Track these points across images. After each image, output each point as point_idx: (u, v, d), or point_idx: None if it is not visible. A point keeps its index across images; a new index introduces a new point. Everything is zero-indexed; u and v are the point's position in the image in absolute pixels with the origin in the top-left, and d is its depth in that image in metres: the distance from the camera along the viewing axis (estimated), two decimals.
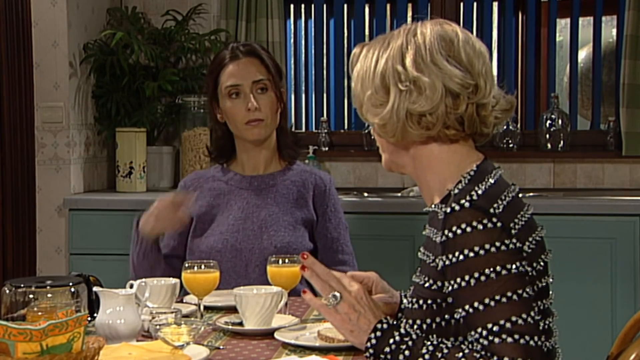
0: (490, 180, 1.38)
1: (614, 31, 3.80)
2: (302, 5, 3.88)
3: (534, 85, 3.74)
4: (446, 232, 1.33)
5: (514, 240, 1.31)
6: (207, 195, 2.20)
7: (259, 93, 2.16)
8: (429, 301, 1.39)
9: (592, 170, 3.49)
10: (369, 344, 1.37)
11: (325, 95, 3.85)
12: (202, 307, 1.78)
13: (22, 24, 3.19)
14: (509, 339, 1.27)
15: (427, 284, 1.40)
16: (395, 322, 1.40)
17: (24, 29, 3.19)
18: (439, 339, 1.36)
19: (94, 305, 1.62)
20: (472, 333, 1.30)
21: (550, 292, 1.42)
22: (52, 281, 1.56)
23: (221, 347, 1.57)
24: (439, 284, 1.37)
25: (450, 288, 1.34)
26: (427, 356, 1.32)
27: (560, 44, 3.98)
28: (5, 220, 3.18)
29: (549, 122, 3.49)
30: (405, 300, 1.51)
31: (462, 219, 1.31)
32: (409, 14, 3.86)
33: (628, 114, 3.40)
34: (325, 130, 3.66)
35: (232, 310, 1.78)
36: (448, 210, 1.33)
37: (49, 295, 1.52)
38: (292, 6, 3.85)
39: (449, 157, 1.42)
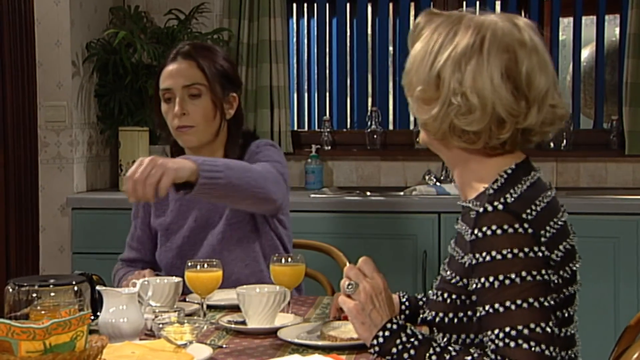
0: (527, 183, 1.37)
1: (617, 30, 3.79)
2: (305, 4, 3.87)
3: None
4: (476, 231, 1.32)
5: (543, 248, 1.30)
6: (160, 203, 2.12)
7: (191, 98, 2.05)
8: (454, 296, 1.39)
9: (595, 169, 3.49)
10: (375, 341, 1.38)
11: (327, 94, 3.85)
12: (204, 306, 1.78)
13: (25, 22, 3.19)
14: (524, 345, 1.27)
15: (453, 280, 1.40)
16: (405, 323, 1.40)
17: (27, 28, 3.20)
18: (445, 343, 1.36)
19: (97, 304, 1.62)
20: (489, 333, 1.30)
21: (576, 300, 1.41)
22: (55, 280, 1.56)
23: (224, 345, 1.57)
24: (465, 281, 1.37)
25: (474, 286, 1.33)
26: (433, 357, 1.32)
27: (563, 42, 3.97)
28: (9, 219, 3.18)
29: None
30: (430, 292, 1.51)
31: (493, 220, 1.30)
32: (412, 12, 3.86)
33: (631, 113, 3.39)
34: (328, 130, 3.66)
35: (235, 309, 1.78)
36: (481, 210, 1.32)
37: (52, 294, 1.52)
38: (294, 5, 3.85)
39: (489, 160, 1.41)
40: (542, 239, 1.31)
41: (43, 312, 1.46)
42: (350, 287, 1.42)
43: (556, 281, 1.33)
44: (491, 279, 1.30)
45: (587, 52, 3.89)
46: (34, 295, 1.51)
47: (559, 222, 1.37)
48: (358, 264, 1.49)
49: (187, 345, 1.47)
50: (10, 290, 1.53)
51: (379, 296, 1.41)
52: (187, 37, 3.44)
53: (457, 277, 1.39)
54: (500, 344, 1.28)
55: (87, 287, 1.59)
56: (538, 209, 1.33)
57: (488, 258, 1.30)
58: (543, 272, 1.30)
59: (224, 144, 2.12)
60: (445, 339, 1.42)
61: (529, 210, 1.32)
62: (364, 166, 3.64)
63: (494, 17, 1.39)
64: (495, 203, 1.31)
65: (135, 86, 3.38)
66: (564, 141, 3.48)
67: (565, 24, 3.92)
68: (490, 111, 1.34)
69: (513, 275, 1.29)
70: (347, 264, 2.33)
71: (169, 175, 1.70)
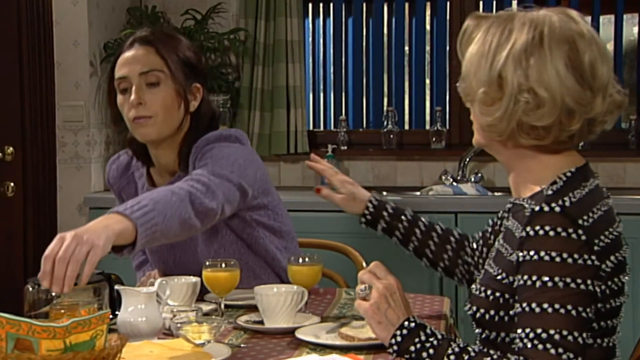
0: (586, 189, 1.35)
1: (636, 29, 3.77)
2: (321, 4, 3.88)
3: None
4: (528, 228, 1.30)
5: (593, 257, 1.28)
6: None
7: (149, 87, 1.86)
8: (497, 294, 1.37)
9: (613, 169, 3.46)
10: (393, 340, 1.38)
11: (343, 94, 3.85)
12: (222, 306, 1.78)
13: (43, 23, 3.21)
14: (552, 350, 1.25)
15: (499, 276, 1.38)
16: (423, 322, 1.39)
17: (45, 29, 3.22)
18: (465, 344, 1.35)
19: (115, 303, 1.63)
20: (519, 331, 1.29)
21: (621, 312, 1.39)
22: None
23: (242, 345, 1.57)
24: (511, 278, 1.35)
25: (516, 282, 1.32)
26: (452, 357, 1.32)
27: None
28: (27, 219, 3.21)
29: None
30: (473, 285, 1.49)
31: (548, 221, 1.29)
32: (428, 12, 3.85)
33: None
34: (344, 129, 3.66)
35: (253, 308, 1.78)
36: (537, 208, 1.30)
37: (71, 293, 1.52)
38: (310, 5, 3.85)
39: (549, 160, 1.39)
40: (595, 248, 1.29)
41: (62, 311, 1.47)
42: (363, 290, 1.43)
43: (603, 292, 1.31)
44: (534, 277, 1.28)
45: None
46: (54, 294, 1.52)
47: (614, 233, 1.34)
48: (369, 267, 1.49)
49: (205, 345, 1.47)
50: (30, 289, 1.54)
51: (394, 295, 1.41)
52: (203, 37, 3.45)
53: (504, 274, 1.37)
54: (529, 344, 1.27)
55: (106, 286, 1.60)
56: (595, 216, 1.31)
57: (536, 257, 1.28)
58: (589, 282, 1.27)
59: (182, 139, 1.92)
60: (484, 335, 1.42)
61: (585, 217, 1.30)
62: (380, 166, 3.63)
63: (545, 11, 1.37)
64: (553, 204, 1.29)
65: None
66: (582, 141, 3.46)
67: None
68: (560, 103, 1.32)
69: (557, 279, 1.27)
70: (364, 264, 2.34)
71: (96, 252, 1.45)
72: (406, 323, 1.38)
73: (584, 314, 1.27)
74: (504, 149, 1.41)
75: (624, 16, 3.64)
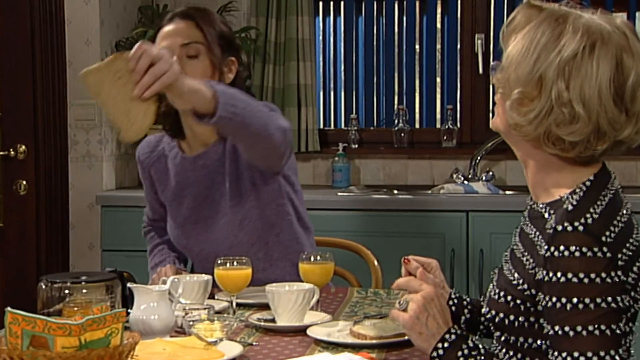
0: (606, 199, 1.32)
1: None
2: (332, 3, 3.87)
3: None
4: (552, 249, 1.28)
5: (619, 273, 1.27)
6: (159, 177, 2.10)
7: (189, 59, 1.94)
8: (518, 301, 1.36)
9: (626, 168, 3.45)
10: (435, 354, 1.35)
11: (354, 92, 3.85)
12: (234, 304, 1.78)
13: (55, 22, 3.22)
14: None
15: (520, 286, 1.36)
16: (463, 332, 1.37)
17: (58, 28, 3.23)
18: (509, 357, 1.33)
19: (128, 301, 1.64)
20: (555, 354, 1.27)
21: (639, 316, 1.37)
22: (86, 277, 1.57)
23: (254, 343, 1.58)
24: (533, 291, 1.34)
25: (544, 303, 1.30)
26: None
27: None
28: (39, 217, 3.22)
29: None
30: (490, 287, 1.48)
31: (572, 241, 1.26)
32: (438, 10, 3.84)
33: None
34: (355, 128, 3.65)
35: (264, 307, 1.78)
36: (559, 228, 1.28)
37: (84, 290, 1.53)
38: (321, 3, 3.85)
39: (569, 168, 1.36)
40: (619, 263, 1.27)
41: (75, 308, 1.47)
42: (401, 303, 1.40)
43: (629, 302, 1.30)
44: (564, 300, 1.26)
45: None
46: (66, 292, 1.52)
47: (635, 243, 1.32)
48: (401, 283, 1.46)
49: (217, 343, 1.47)
50: (43, 287, 1.55)
51: (432, 303, 1.38)
52: None
53: (525, 285, 1.35)
54: None
55: (119, 284, 1.60)
56: (616, 230, 1.29)
57: (563, 279, 1.26)
58: (618, 298, 1.26)
59: None
60: (503, 339, 1.41)
61: (607, 233, 1.27)
62: (391, 164, 3.63)
63: (599, 19, 1.32)
64: (576, 223, 1.27)
65: None
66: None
67: None
68: (594, 122, 1.29)
69: (587, 301, 1.25)
70: (375, 262, 2.33)
71: (169, 76, 1.54)
72: (447, 335, 1.35)
73: (617, 331, 1.26)
74: (523, 144, 1.38)
75: (637, 14, 3.62)
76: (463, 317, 1.60)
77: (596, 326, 1.25)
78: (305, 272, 1.82)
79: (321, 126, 3.81)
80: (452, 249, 3.01)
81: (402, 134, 3.60)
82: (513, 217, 1.57)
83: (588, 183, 1.34)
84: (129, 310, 1.60)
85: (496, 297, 1.41)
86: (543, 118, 1.30)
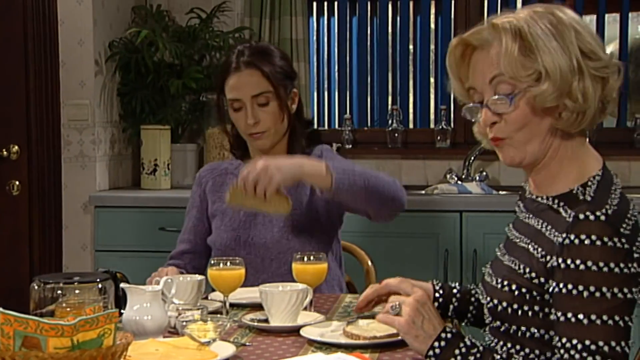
0: (617, 192, 1.35)
1: None
2: (326, 3, 3.88)
3: None
4: (572, 236, 1.29)
5: (636, 265, 1.29)
6: (218, 188, 2.19)
7: (260, 107, 2.11)
8: (524, 289, 1.36)
9: (619, 168, 3.46)
10: (431, 352, 1.35)
11: (348, 92, 3.85)
12: (227, 304, 1.78)
13: (48, 22, 3.22)
14: None
15: (527, 275, 1.36)
16: (459, 331, 1.37)
17: (51, 28, 3.22)
18: (509, 353, 1.33)
19: (121, 301, 1.64)
20: (564, 340, 1.28)
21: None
22: (79, 277, 1.57)
23: (247, 343, 1.58)
24: (542, 279, 1.34)
25: (556, 289, 1.31)
26: None
27: None
28: (32, 217, 3.21)
29: None
30: (486, 276, 1.48)
31: (593, 230, 1.28)
32: (432, 11, 3.85)
33: None
34: (349, 128, 3.65)
35: (258, 307, 1.78)
36: (581, 216, 1.29)
37: (77, 291, 1.53)
38: (315, 4, 3.85)
39: (578, 154, 1.39)
40: (635, 255, 1.29)
41: (68, 309, 1.47)
42: (394, 307, 1.39)
43: (637, 297, 1.31)
44: (580, 287, 1.27)
45: (610, 50, 3.86)
46: (59, 292, 1.52)
47: None
48: (393, 284, 1.47)
49: (210, 343, 1.47)
50: (36, 287, 1.55)
51: (425, 306, 1.38)
52: (208, 36, 3.45)
53: (533, 274, 1.36)
54: (577, 355, 1.26)
55: (111, 284, 1.60)
56: (631, 223, 1.31)
57: (582, 267, 1.27)
58: (634, 290, 1.28)
59: (287, 138, 2.18)
60: (502, 329, 1.41)
61: (625, 225, 1.30)
62: (385, 165, 3.63)
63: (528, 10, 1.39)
64: (598, 213, 1.29)
65: (157, 85, 3.40)
66: (587, 139, 3.45)
67: (588, 21, 3.89)
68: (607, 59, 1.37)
69: (605, 290, 1.26)
70: (369, 262, 2.33)
71: (271, 186, 1.85)
72: (443, 334, 1.35)
73: (629, 323, 1.28)
74: (543, 140, 1.38)
75: (629, 14, 3.63)
76: (451, 306, 1.61)
77: (611, 316, 1.26)
78: (298, 272, 1.82)
79: (315, 126, 3.80)
80: (445, 249, 3.01)
81: (396, 134, 3.60)
82: (507, 217, 1.57)
83: (598, 177, 1.36)
84: (122, 311, 1.59)
85: (499, 285, 1.41)
86: (597, 88, 1.35)
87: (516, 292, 1.37)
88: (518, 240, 1.43)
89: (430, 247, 3.01)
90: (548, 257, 1.33)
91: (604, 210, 1.29)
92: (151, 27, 3.44)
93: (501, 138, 1.39)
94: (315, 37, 3.88)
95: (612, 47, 3.84)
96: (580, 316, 1.27)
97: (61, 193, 3.29)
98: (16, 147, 3.21)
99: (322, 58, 3.90)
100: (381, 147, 3.62)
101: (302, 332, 1.61)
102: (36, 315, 1.44)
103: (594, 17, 3.71)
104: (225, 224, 2.14)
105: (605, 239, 1.27)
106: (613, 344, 1.25)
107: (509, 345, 1.38)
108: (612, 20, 3.75)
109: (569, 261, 1.29)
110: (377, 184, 1.97)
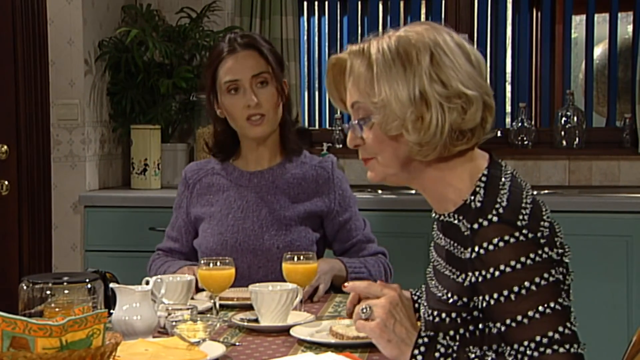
0: (506, 186, 1.34)
1: (630, 27, 3.77)
2: (316, 3, 3.88)
3: (549, 82, 3.73)
4: (477, 248, 1.30)
5: (546, 249, 1.29)
6: (206, 191, 2.15)
7: (259, 87, 2.06)
8: (453, 314, 1.36)
9: (608, 168, 3.47)
10: None
11: None
12: (217, 304, 1.78)
13: (37, 21, 3.20)
14: (561, 349, 1.26)
15: (451, 300, 1.36)
16: (433, 334, 1.35)
17: (40, 27, 3.21)
18: (482, 351, 1.33)
19: (110, 301, 1.63)
20: (516, 347, 1.28)
21: (571, 292, 1.39)
22: (69, 278, 1.57)
23: (237, 343, 1.58)
24: (465, 299, 1.34)
25: (484, 303, 1.31)
26: None
27: (575, 40, 3.96)
28: (22, 217, 3.20)
29: (564, 119, 3.48)
30: (422, 309, 1.47)
31: (492, 234, 1.29)
32: (423, 11, 3.85)
33: None
34: (340, 128, 3.65)
35: (247, 307, 1.78)
36: (476, 226, 1.30)
37: (66, 291, 1.53)
38: (305, 3, 3.85)
39: (464, 165, 1.38)
40: (542, 241, 1.30)
41: (57, 309, 1.47)
42: (365, 311, 1.36)
43: (562, 276, 1.32)
44: (505, 292, 1.28)
45: (599, 50, 3.87)
46: (48, 292, 1.52)
47: (548, 219, 1.35)
48: (360, 289, 1.46)
49: (200, 343, 1.47)
50: (25, 287, 1.54)
51: (397, 307, 1.36)
52: (198, 36, 3.45)
53: (455, 297, 1.35)
54: (535, 354, 1.26)
55: (101, 284, 1.59)
56: (527, 211, 1.31)
57: (497, 273, 1.28)
58: (553, 272, 1.29)
59: (280, 130, 2.14)
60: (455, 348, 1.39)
61: (521, 216, 1.30)
62: None
63: (408, 28, 1.38)
64: (489, 216, 1.29)
65: (147, 84, 3.39)
66: (577, 139, 3.47)
67: (578, 21, 3.91)
68: (480, 98, 1.34)
69: (527, 284, 1.27)
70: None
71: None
72: (420, 340, 1.32)
73: (565, 302, 1.29)
74: (420, 169, 1.38)
75: (619, 14, 3.65)
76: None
77: (546, 305, 1.27)
78: (288, 272, 1.82)
79: (306, 126, 3.81)
80: None
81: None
82: None
83: (484, 178, 1.36)
84: (111, 311, 1.59)
85: (430, 318, 1.41)
86: (443, 121, 1.32)
87: (447, 320, 1.37)
88: (437, 264, 1.44)
89: (420, 246, 3.01)
90: (463, 276, 1.33)
91: (494, 212, 1.29)
92: (141, 26, 3.43)
93: (367, 158, 1.42)
94: (305, 37, 3.88)
95: (601, 48, 3.86)
96: (519, 318, 1.27)
97: (51, 193, 3.28)
98: (5, 147, 3.19)
99: (312, 58, 3.90)
100: None
101: (292, 331, 1.61)
102: (25, 316, 1.44)
103: (584, 17, 3.72)
104: (213, 227, 2.10)
105: (506, 238, 1.28)
106: (561, 329, 1.27)
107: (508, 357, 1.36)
108: (601, 20, 3.77)
109: (483, 272, 1.29)
110: (377, 274, 2.14)
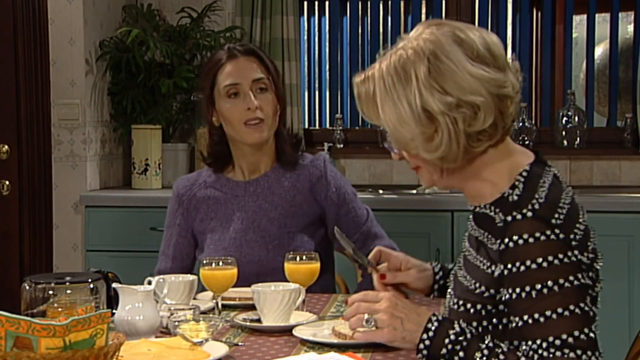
0: (547, 184, 1.34)
1: (631, 27, 3.77)
2: (317, 2, 3.87)
3: (549, 82, 3.73)
4: (506, 240, 1.30)
5: (575, 252, 1.29)
6: (202, 205, 2.13)
7: (259, 92, 2.07)
8: (478, 306, 1.37)
9: (609, 168, 3.47)
10: (422, 345, 1.34)
11: (339, 92, 3.85)
12: (219, 304, 1.78)
13: (38, 21, 3.20)
14: (572, 354, 1.26)
15: (478, 290, 1.37)
16: (445, 318, 1.37)
17: (41, 27, 3.21)
18: (494, 342, 1.33)
19: (112, 301, 1.63)
20: (529, 343, 1.28)
21: (599, 299, 1.39)
22: (71, 278, 1.56)
23: (240, 343, 1.57)
24: (492, 291, 1.35)
25: (507, 296, 1.31)
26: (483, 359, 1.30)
27: (576, 40, 3.96)
28: (23, 217, 3.20)
29: (565, 119, 3.48)
30: (447, 297, 1.48)
31: (524, 228, 1.29)
32: (423, 10, 3.85)
33: None
34: (340, 128, 3.66)
35: (250, 307, 1.78)
36: (509, 218, 1.30)
37: (69, 291, 1.52)
38: (306, 3, 3.85)
39: (502, 161, 1.39)
40: (573, 243, 1.29)
41: (60, 309, 1.46)
42: (369, 322, 1.39)
43: (590, 281, 1.31)
44: (527, 288, 1.28)
45: (600, 50, 3.87)
46: (51, 292, 1.51)
47: (584, 223, 1.34)
48: (357, 297, 1.47)
49: (203, 343, 1.47)
50: (27, 287, 1.54)
51: (397, 307, 1.38)
52: (199, 35, 3.45)
53: (483, 287, 1.36)
54: (545, 353, 1.26)
55: (103, 284, 1.59)
56: (564, 211, 1.31)
57: (522, 268, 1.28)
58: (579, 276, 1.28)
59: (274, 140, 2.13)
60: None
61: (556, 215, 1.30)
62: (377, 164, 3.63)
63: (415, 34, 1.39)
64: (524, 210, 1.29)
65: (148, 84, 3.39)
66: (578, 139, 3.47)
67: (578, 21, 3.91)
68: (489, 95, 1.33)
69: (550, 284, 1.27)
70: (358, 276, 2.34)
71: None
72: (429, 325, 1.35)
73: (586, 308, 1.28)
74: (459, 170, 1.40)
75: (619, 14, 3.65)
76: (436, 285, 1.67)
77: (565, 307, 1.26)
78: (290, 272, 1.82)
79: (306, 126, 3.81)
80: (437, 248, 3.02)
81: (387, 134, 3.60)
82: None
83: (525, 174, 1.36)
84: (114, 311, 1.59)
85: (455, 307, 1.42)
86: (455, 131, 1.33)
87: (471, 310, 1.38)
88: (468, 254, 1.44)
89: (422, 246, 3.01)
90: (493, 267, 1.34)
91: (530, 207, 1.29)
92: (142, 26, 3.43)
93: (415, 168, 1.46)
94: (306, 37, 3.88)
95: (602, 48, 3.86)
96: (536, 315, 1.27)
97: (52, 193, 3.28)
98: (6, 147, 3.19)
99: (313, 57, 3.90)
100: (372, 147, 3.63)
101: (295, 331, 1.60)
102: (27, 316, 1.44)
103: (584, 17, 3.72)
104: (215, 243, 2.09)
105: (537, 235, 1.28)
106: (576, 333, 1.26)
107: (519, 354, 1.35)
108: (602, 20, 3.76)
109: (509, 266, 1.29)
110: None
